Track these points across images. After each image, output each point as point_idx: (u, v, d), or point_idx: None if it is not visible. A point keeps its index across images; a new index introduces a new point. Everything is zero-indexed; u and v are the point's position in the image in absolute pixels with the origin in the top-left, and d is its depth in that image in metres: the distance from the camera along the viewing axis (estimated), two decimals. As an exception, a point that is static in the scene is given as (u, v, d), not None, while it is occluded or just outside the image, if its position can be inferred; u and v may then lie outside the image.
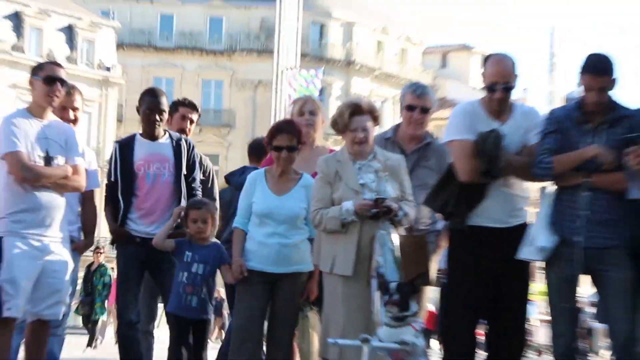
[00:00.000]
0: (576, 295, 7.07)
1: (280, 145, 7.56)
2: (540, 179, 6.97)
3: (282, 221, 7.50)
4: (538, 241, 6.86)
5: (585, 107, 6.86)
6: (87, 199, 8.26)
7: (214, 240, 7.85)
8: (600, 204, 6.69)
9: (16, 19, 51.07)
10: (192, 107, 9.22)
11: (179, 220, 7.85)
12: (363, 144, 7.11)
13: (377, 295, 6.78)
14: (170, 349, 7.83)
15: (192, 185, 8.21)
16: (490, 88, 7.08)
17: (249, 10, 59.54)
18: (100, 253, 21.93)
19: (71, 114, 8.35)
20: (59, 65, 8.17)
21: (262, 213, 7.51)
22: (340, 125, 7.25)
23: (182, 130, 8.77)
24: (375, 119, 7.35)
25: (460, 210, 6.86)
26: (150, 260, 7.91)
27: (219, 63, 59.63)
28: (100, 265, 22.37)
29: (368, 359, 4.80)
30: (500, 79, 7.10)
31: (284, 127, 7.91)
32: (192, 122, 9.06)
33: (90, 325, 22.29)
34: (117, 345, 9.49)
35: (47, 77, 7.50)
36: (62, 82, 7.65)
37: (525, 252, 6.90)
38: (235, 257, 7.46)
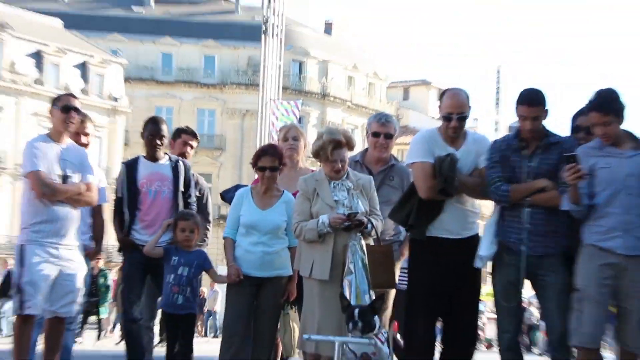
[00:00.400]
0: (520, 296, 7.18)
1: (264, 165, 7.73)
2: (497, 202, 7.03)
3: (266, 232, 7.65)
4: (481, 249, 7.04)
5: (522, 135, 7.00)
6: (97, 212, 8.40)
7: (198, 248, 8.02)
8: (540, 217, 6.81)
9: (37, 57, 51.87)
10: (193, 135, 9.33)
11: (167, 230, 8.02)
12: (340, 172, 7.26)
13: (362, 281, 6.89)
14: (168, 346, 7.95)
15: (188, 200, 8.31)
16: (446, 118, 7.18)
17: (237, 50, 60.88)
18: (99, 259, 22.10)
19: (83, 139, 8.50)
20: (74, 96, 8.32)
21: (248, 224, 7.66)
22: (323, 156, 7.32)
23: (183, 154, 8.86)
24: (351, 148, 7.49)
25: (420, 223, 6.93)
26: (151, 265, 7.99)
27: (212, 95, 60.53)
28: (101, 270, 22.47)
29: (339, 353, 4.79)
30: (455, 110, 7.20)
31: (267, 150, 8.06)
32: (191, 147, 9.14)
33: (98, 322, 22.49)
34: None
35: (64, 106, 7.64)
36: (77, 110, 7.78)
37: (475, 261, 7.08)
38: (230, 263, 7.60)
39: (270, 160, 7.74)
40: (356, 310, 4.81)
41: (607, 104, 6.68)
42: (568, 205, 6.61)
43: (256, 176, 8.73)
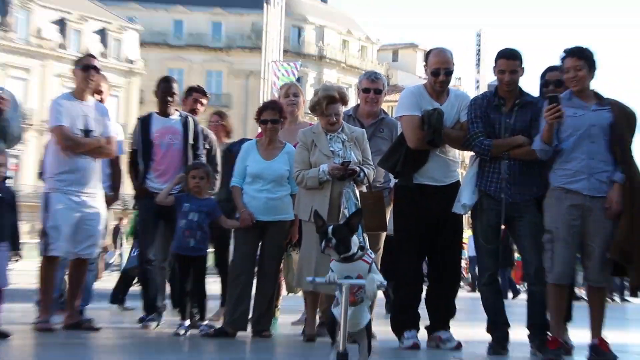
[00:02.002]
0: (499, 238, 7.11)
1: (266, 119, 7.69)
2: (479, 154, 6.93)
3: (270, 180, 7.63)
4: (462, 199, 6.98)
5: (500, 93, 6.95)
6: (114, 163, 8.41)
7: (207, 196, 7.98)
8: (516, 169, 6.80)
9: (61, 23, 52.32)
10: (203, 93, 9.28)
11: (180, 183, 7.91)
12: (335, 125, 7.21)
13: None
14: (176, 280, 7.97)
15: (197, 152, 8.24)
16: (434, 73, 7.14)
17: (242, 17, 60.61)
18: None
19: (97, 96, 8.38)
20: (93, 56, 8.38)
21: (254, 174, 7.64)
22: (318, 111, 7.29)
23: (194, 111, 8.82)
24: (345, 103, 7.44)
25: (407, 171, 6.83)
26: (164, 211, 7.89)
27: (219, 57, 60.66)
28: None
29: (347, 295, 4.07)
30: (442, 65, 7.18)
31: (268, 105, 8.06)
32: (202, 104, 9.09)
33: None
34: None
35: (84, 65, 7.65)
36: (96, 69, 7.74)
37: (455, 207, 7.00)
38: (242, 209, 7.56)
39: (272, 114, 7.74)
40: (330, 228, 4.27)
41: (581, 51, 6.72)
42: (539, 145, 6.56)
43: (259, 130, 8.65)
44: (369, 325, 4.45)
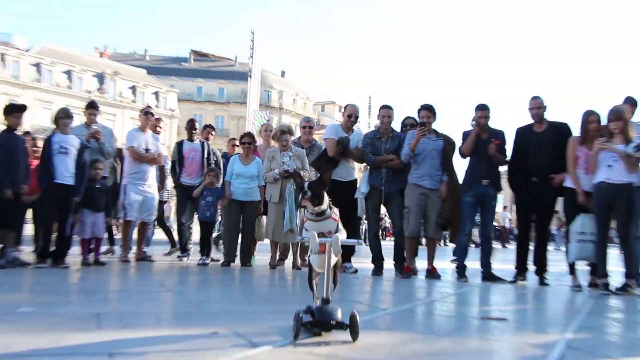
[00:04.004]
0: (379, 211, 8.34)
1: (244, 142, 8.75)
2: (368, 164, 7.97)
3: (247, 177, 8.61)
4: (361, 189, 8.02)
5: (381, 129, 8.08)
6: (161, 168, 9.24)
7: (217, 186, 8.72)
8: (389, 173, 7.90)
9: (133, 89, 61.36)
10: (212, 128, 10.11)
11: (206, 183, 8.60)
12: (285, 147, 8.28)
13: (292, 206, 7.83)
14: (200, 237, 8.79)
15: (209, 162, 9.16)
16: (349, 116, 8.27)
17: (236, 85, 71.25)
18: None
19: (158, 129, 9.29)
20: (150, 107, 9.23)
21: (238, 173, 8.62)
22: (276, 139, 8.45)
23: (207, 138, 9.71)
24: (292, 134, 8.53)
25: (327, 170, 6.29)
26: (190, 196, 8.83)
27: (223, 108, 71.85)
28: None
29: (336, 246, 3.32)
30: (354, 113, 8.36)
31: (246, 135, 9.02)
32: (212, 135, 9.92)
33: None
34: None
35: (145, 112, 8.71)
36: (152, 114, 8.77)
37: (356, 194, 8.01)
38: (227, 193, 8.51)
39: (248, 140, 8.76)
40: (306, 183, 3.51)
41: (430, 107, 7.85)
42: (406, 150, 7.65)
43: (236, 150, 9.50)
44: (335, 266, 3.57)
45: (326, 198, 3.54)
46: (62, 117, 7.58)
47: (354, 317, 3.23)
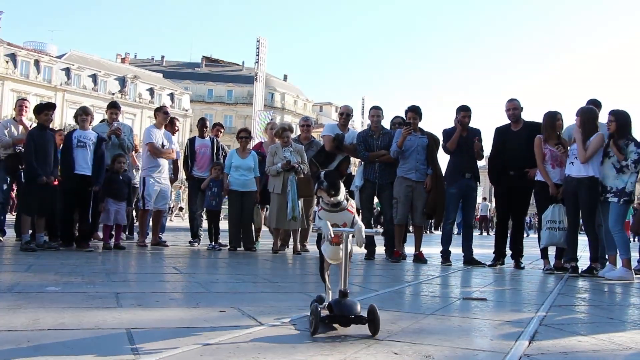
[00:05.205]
0: (373, 202, 8.39)
1: (242, 136, 8.79)
2: (362, 159, 8.07)
3: (244, 169, 8.63)
4: (356, 182, 8.06)
5: (372, 127, 8.12)
6: (175, 162, 9.27)
7: (222, 178, 8.77)
8: (382, 167, 7.95)
9: (151, 91, 62.77)
10: (221, 126, 10.15)
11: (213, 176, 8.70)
12: (286, 143, 8.34)
13: (295, 195, 7.84)
14: (208, 224, 8.94)
15: (218, 157, 9.21)
16: (341, 115, 8.40)
17: (243, 87, 72.56)
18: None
19: (175, 128, 9.39)
20: (165, 106, 9.20)
21: (236, 165, 8.66)
22: (277, 135, 8.47)
23: (217, 135, 9.76)
24: (292, 132, 8.55)
25: (325, 163, 7.46)
26: (200, 187, 8.90)
27: (231, 108, 73.22)
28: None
29: (346, 241, 2.84)
30: (348, 112, 8.46)
31: (243, 130, 9.05)
32: (221, 132, 9.95)
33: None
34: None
35: (162, 111, 8.74)
36: (167, 113, 8.81)
37: (351, 187, 7.99)
38: (226, 184, 8.56)
39: (245, 134, 8.84)
40: (322, 172, 2.98)
41: (416, 108, 7.93)
42: (395, 147, 7.71)
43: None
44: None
45: (342, 189, 3.04)
46: (80, 114, 7.67)
47: (374, 311, 2.78)
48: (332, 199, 2.96)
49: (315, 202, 8.64)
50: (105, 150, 7.81)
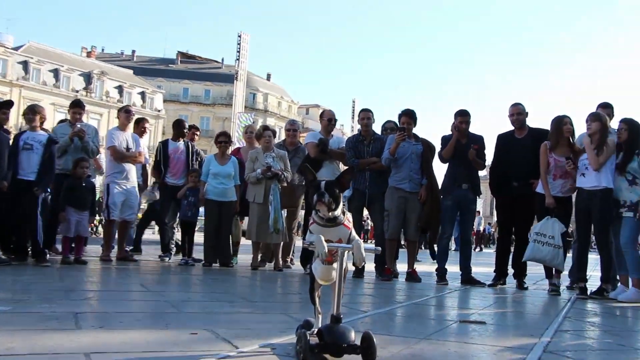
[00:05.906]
0: (362, 212, 8.49)
1: (221, 141, 8.87)
2: (350, 166, 7.80)
3: (223, 177, 8.68)
4: (345, 192, 8.10)
5: (362, 133, 8.23)
6: (143, 167, 9.32)
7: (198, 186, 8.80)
8: (373, 175, 8.01)
9: (120, 89, 62.46)
10: (197, 129, 10.20)
11: (191, 185, 8.75)
12: (268, 144, 8.41)
13: (278, 205, 7.87)
14: (182, 237, 8.97)
15: (193, 163, 9.20)
16: (329, 120, 8.47)
17: (222, 87, 72.08)
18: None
19: (144, 130, 9.45)
20: (130, 106, 9.23)
21: (214, 173, 8.71)
22: (258, 136, 8.57)
23: (192, 139, 9.78)
24: (274, 135, 8.63)
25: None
26: (174, 196, 8.91)
27: (208, 109, 72.54)
28: None
29: (341, 258, 2.70)
30: (333, 117, 8.53)
31: (222, 134, 9.11)
32: (197, 135, 10.02)
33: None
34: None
35: (125, 111, 8.73)
36: (131, 112, 8.79)
37: None
38: (202, 193, 8.64)
39: (224, 138, 8.92)
40: (323, 182, 2.86)
41: (410, 112, 7.97)
42: (387, 154, 7.77)
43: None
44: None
45: (340, 202, 2.92)
46: (27, 114, 7.62)
47: (369, 338, 2.66)
48: (330, 213, 2.85)
49: (299, 213, 8.79)
50: (54, 152, 7.71)
